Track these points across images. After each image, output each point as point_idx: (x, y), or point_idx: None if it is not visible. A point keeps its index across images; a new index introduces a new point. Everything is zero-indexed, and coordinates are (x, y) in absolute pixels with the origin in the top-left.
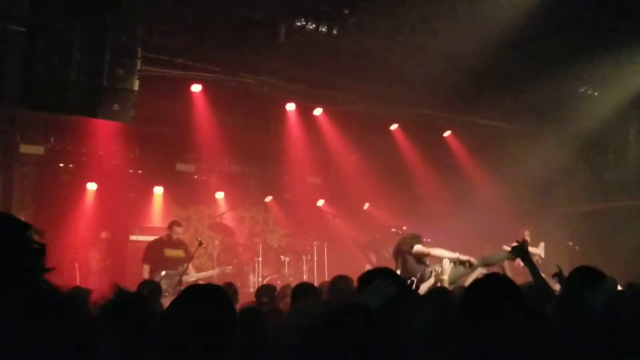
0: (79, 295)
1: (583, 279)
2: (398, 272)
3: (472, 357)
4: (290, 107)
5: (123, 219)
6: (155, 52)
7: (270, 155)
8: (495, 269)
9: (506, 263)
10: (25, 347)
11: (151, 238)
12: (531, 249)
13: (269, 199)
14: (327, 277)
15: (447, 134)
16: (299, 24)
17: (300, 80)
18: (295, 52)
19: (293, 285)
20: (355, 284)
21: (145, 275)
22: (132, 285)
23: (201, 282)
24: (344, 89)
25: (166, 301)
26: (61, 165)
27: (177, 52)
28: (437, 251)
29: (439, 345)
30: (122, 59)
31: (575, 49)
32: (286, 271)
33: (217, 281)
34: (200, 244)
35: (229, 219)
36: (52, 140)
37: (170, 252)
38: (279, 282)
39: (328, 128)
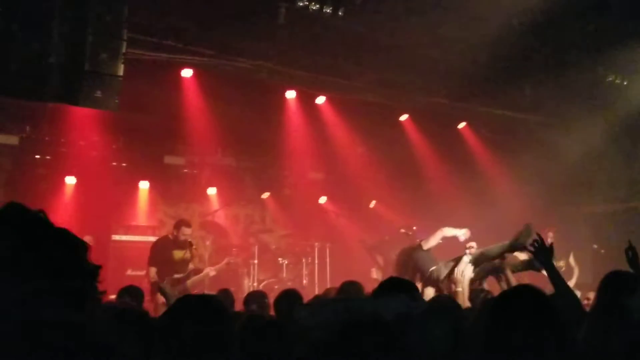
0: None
1: (621, 285)
2: (399, 273)
3: None
4: (291, 94)
5: (105, 216)
6: (142, 33)
7: (268, 147)
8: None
9: (508, 271)
10: None
11: (136, 238)
12: (559, 264)
13: (266, 195)
14: (329, 282)
15: (462, 125)
16: (301, 3)
17: (302, 66)
18: (296, 35)
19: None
20: (364, 289)
21: (153, 278)
22: (113, 290)
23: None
24: (349, 76)
25: None
26: (37, 156)
27: (165, 33)
28: (444, 232)
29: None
30: (105, 41)
31: (602, 35)
32: (284, 275)
33: (209, 284)
34: (191, 244)
35: (221, 217)
36: (27, 129)
37: (178, 254)
38: (276, 287)
39: (332, 118)
